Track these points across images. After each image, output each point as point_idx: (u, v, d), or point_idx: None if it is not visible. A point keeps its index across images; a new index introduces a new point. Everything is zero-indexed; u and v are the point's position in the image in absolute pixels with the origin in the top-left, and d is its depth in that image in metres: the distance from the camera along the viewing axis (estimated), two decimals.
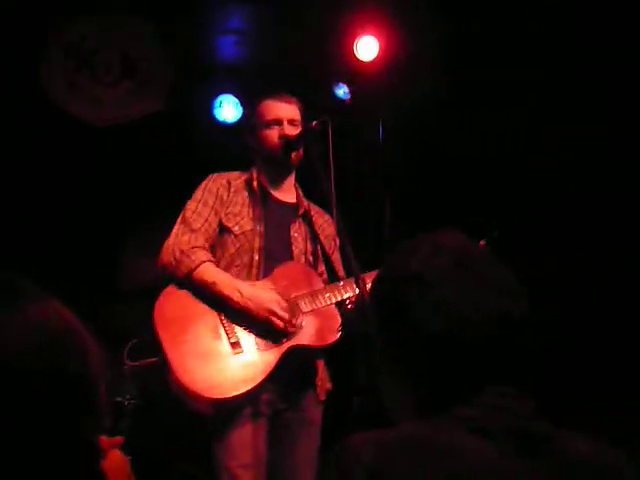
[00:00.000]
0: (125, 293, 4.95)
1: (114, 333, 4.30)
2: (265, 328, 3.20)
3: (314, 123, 3.27)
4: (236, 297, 3.19)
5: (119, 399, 4.25)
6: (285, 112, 3.43)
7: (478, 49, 4.80)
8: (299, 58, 4.98)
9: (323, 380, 3.39)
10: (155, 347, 3.17)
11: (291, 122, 3.42)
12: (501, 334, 1.34)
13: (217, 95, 5.32)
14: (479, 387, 1.33)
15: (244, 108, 5.08)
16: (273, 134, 3.41)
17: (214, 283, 3.20)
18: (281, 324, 3.19)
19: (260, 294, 3.22)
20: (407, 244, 1.47)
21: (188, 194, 3.45)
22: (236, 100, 5.29)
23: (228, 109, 5.30)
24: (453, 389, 1.33)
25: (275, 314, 3.19)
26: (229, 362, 3.13)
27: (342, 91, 4.95)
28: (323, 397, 3.37)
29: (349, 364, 3.13)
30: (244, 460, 3.15)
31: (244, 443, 3.15)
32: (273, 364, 3.15)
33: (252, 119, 3.52)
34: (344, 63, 4.97)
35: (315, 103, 3.65)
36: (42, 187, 5.03)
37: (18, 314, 1.12)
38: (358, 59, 4.92)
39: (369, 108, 4.88)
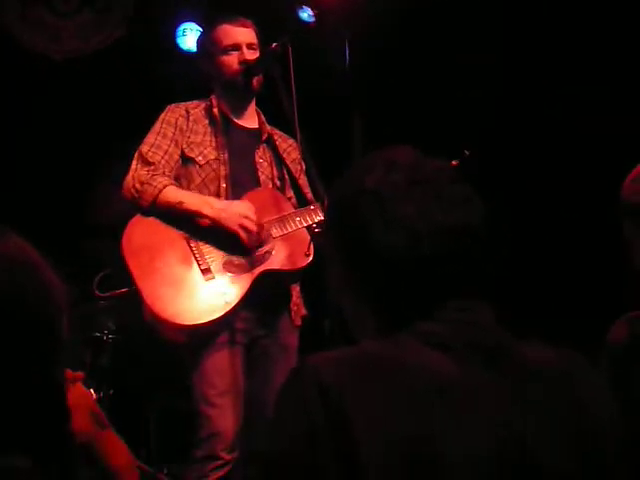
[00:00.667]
0: (94, 227, 4.92)
1: (88, 268, 4.30)
2: (237, 253, 3.18)
3: (274, 45, 3.23)
4: (206, 210, 3.18)
5: (97, 334, 4.26)
6: (243, 36, 3.37)
7: None
8: None
9: (298, 305, 3.39)
10: (125, 277, 3.16)
11: (249, 46, 3.36)
12: (459, 246, 1.33)
13: (180, 23, 5.23)
14: (440, 302, 1.32)
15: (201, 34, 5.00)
16: (232, 60, 3.35)
17: (181, 202, 3.18)
18: (256, 228, 3.18)
19: (231, 203, 3.22)
20: (360, 162, 1.45)
21: (152, 124, 3.40)
22: (199, 28, 5.19)
23: (191, 37, 5.21)
24: (413, 305, 1.32)
25: (249, 218, 3.17)
26: (201, 289, 3.12)
27: (306, 14, 4.86)
28: (299, 322, 3.38)
29: (321, 288, 3.13)
30: (221, 388, 3.16)
31: (221, 371, 3.17)
32: (245, 289, 3.15)
33: (208, 46, 3.44)
34: None
35: (278, 26, 3.58)
36: (3, 123, 4.96)
37: None
38: None
39: (334, 29, 4.81)
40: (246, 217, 3.17)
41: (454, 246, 1.32)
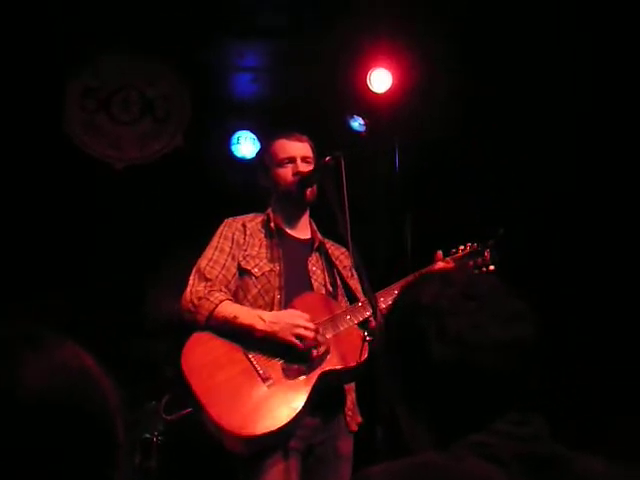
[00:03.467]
0: (147, 329, 5.00)
1: (140, 368, 4.37)
2: (294, 358, 3.20)
3: (327, 158, 3.33)
4: (259, 325, 3.21)
5: (147, 436, 4.29)
6: (298, 150, 3.49)
7: (490, 79, 4.86)
8: (314, 93, 5.06)
9: (353, 411, 3.39)
10: (188, 397, 3.17)
11: (304, 159, 3.47)
12: (510, 361, 1.36)
13: (234, 132, 5.41)
14: (493, 414, 1.35)
15: (259, 149, 5.13)
16: (287, 172, 3.46)
17: (235, 317, 3.23)
18: (311, 335, 3.20)
19: (282, 314, 3.26)
20: (415, 280, 1.51)
21: (208, 230, 3.50)
22: (253, 136, 5.36)
23: (245, 145, 5.38)
24: (467, 417, 1.35)
25: (301, 327, 3.20)
26: (265, 398, 3.12)
27: (357, 123, 5.02)
28: (354, 428, 3.37)
29: (373, 393, 3.15)
30: None
31: (277, 477, 3.13)
32: (308, 392, 3.14)
33: (265, 159, 3.57)
34: (358, 96, 5.04)
35: (330, 136, 3.69)
36: (65, 228, 5.11)
37: (41, 359, 1.16)
38: (372, 91, 4.99)
39: (384, 139, 4.94)
40: (298, 326, 3.21)
41: (506, 360, 1.36)
